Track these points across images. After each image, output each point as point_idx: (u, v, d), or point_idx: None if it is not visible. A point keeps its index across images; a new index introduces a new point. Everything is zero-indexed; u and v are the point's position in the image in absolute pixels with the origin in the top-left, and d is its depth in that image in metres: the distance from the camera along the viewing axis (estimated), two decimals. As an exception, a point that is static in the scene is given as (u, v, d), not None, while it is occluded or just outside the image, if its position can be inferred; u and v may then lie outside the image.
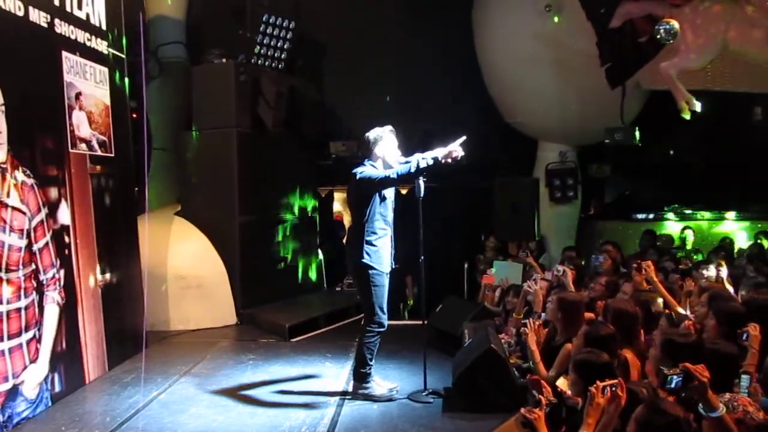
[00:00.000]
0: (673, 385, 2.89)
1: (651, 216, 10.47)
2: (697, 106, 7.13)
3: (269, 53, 8.53)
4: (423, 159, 4.96)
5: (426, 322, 5.68)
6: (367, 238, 5.10)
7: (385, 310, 5.19)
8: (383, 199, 5.14)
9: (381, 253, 5.14)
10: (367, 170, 5.12)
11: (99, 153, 5.95)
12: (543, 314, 5.32)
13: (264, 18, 8.34)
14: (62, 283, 5.25)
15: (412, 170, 4.94)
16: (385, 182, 5.04)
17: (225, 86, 8.05)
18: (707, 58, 7.03)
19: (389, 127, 5.26)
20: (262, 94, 8.21)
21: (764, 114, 9.48)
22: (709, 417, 2.80)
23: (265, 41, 8.43)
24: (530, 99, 9.19)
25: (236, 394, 5.42)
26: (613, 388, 2.91)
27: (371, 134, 5.23)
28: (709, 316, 4.24)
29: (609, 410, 2.86)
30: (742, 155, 9.84)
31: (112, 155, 6.18)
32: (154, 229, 7.60)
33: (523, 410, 3.43)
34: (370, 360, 5.24)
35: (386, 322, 5.21)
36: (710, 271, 5.81)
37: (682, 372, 2.87)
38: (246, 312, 7.97)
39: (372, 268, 5.10)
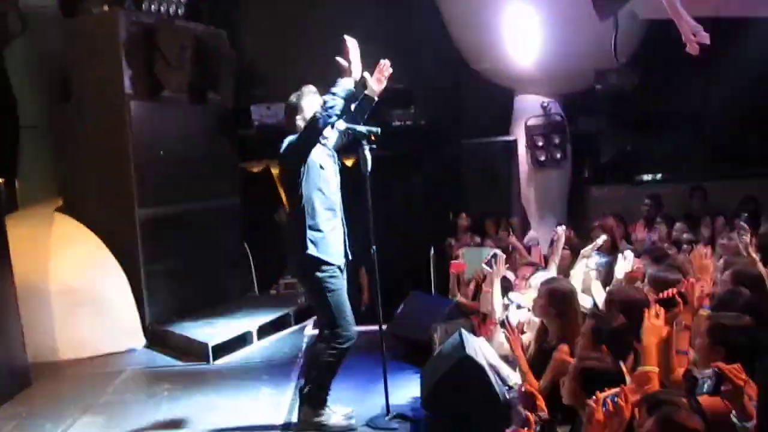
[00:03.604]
0: (704, 390, 2.92)
1: (659, 177, 10.61)
2: (706, 39, 7.22)
3: (166, -4, 8.38)
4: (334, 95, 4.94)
5: (384, 327, 5.67)
6: (309, 223, 5.04)
7: (349, 316, 5.16)
8: (321, 168, 5.08)
9: (329, 239, 5.09)
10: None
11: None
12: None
13: (156, -50, 8.19)
14: None
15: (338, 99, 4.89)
16: (309, 129, 4.96)
17: (110, 42, 7.90)
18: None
19: (311, 88, 5.23)
20: (159, 50, 8.07)
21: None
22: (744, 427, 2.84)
23: (159, -20, 8.29)
24: (500, 38, 9.21)
25: (150, 435, 5.37)
26: (615, 399, 2.91)
27: (290, 101, 5.22)
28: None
29: (612, 426, 2.86)
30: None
31: (-34, 139, 6.01)
32: (29, 232, 7.46)
33: (507, 432, 3.45)
34: (330, 382, 5.23)
35: (354, 333, 5.19)
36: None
37: (714, 374, 2.89)
38: (156, 330, 7.92)
39: (321, 262, 5.04)
